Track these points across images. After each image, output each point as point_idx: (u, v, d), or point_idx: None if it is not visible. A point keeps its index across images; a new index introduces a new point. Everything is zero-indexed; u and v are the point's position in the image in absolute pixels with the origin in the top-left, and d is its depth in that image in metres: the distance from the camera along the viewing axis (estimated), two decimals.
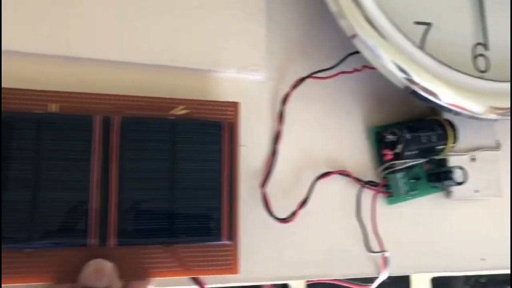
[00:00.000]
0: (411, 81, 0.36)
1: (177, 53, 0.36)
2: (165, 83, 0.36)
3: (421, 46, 0.38)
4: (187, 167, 0.33)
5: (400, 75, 0.35)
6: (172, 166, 0.33)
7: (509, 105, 0.38)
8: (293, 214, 0.36)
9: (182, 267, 0.33)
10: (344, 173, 0.38)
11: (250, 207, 0.36)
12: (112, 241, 0.31)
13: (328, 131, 0.39)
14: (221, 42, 0.37)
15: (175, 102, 0.34)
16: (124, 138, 0.32)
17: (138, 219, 0.32)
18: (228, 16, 0.37)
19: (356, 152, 0.40)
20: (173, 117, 0.34)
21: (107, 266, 0.31)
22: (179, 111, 0.34)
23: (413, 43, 0.36)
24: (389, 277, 0.38)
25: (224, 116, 0.35)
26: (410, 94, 0.37)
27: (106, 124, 0.32)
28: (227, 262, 0.34)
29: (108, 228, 0.31)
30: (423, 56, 0.36)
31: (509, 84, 0.38)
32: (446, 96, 0.36)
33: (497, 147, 0.42)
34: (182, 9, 0.36)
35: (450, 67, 0.36)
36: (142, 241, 0.32)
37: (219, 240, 0.33)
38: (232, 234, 0.34)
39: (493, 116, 0.38)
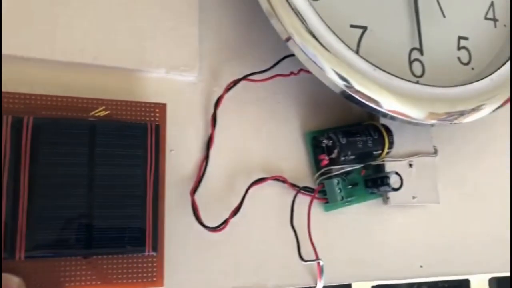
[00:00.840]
0: (346, 85, 0.35)
1: (101, 50, 0.33)
2: (87, 82, 0.33)
3: (357, 50, 0.37)
4: (107, 173, 0.31)
5: (336, 79, 0.34)
6: (91, 172, 0.30)
7: (446, 110, 0.38)
8: (225, 222, 0.34)
9: (102, 280, 0.31)
10: (279, 179, 0.37)
11: (178, 216, 0.34)
12: (19, 254, 0.28)
13: (264, 136, 0.38)
14: (149, 41, 0.35)
15: (95, 103, 0.32)
16: (37, 141, 0.29)
17: (50, 229, 0.29)
18: (159, 14, 0.36)
19: (293, 157, 0.39)
20: (93, 119, 0.31)
21: (13, 281, 0.28)
22: (100, 112, 0.32)
23: (349, 46, 0.35)
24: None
25: (150, 118, 0.33)
26: (346, 98, 0.36)
27: (17, 125, 0.29)
28: (152, 275, 0.31)
29: (17, 239, 0.29)
30: (359, 60, 0.35)
31: (445, 89, 0.38)
32: (381, 100, 0.35)
33: (434, 152, 0.42)
34: (108, 4, 0.34)
35: (386, 71, 0.36)
36: (54, 253, 0.29)
37: (143, 251, 0.31)
38: (156, 245, 0.31)
39: (429, 121, 0.38)
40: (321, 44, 0.34)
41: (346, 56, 0.35)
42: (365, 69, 0.35)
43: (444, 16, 0.40)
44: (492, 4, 0.44)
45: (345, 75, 0.34)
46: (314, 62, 0.34)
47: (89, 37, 0.33)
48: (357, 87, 0.35)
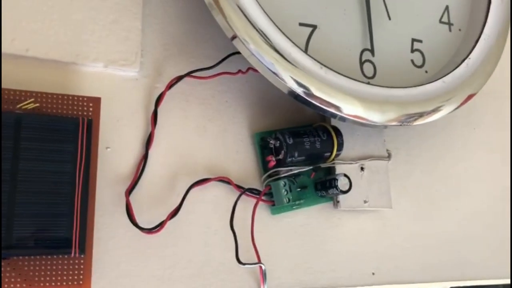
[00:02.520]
0: (293, 84, 0.33)
1: (34, 42, 0.32)
2: (19, 75, 0.31)
3: (306, 49, 0.36)
4: (33, 168, 0.29)
5: (282, 78, 0.33)
6: (15, 166, 0.28)
7: (396, 112, 0.37)
8: (161, 224, 0.32)
9: (25, 283, 0.28)
10: (224, 180, 0.35)
11: (112, 216, 0.32)
12: None
13: (210, 135, 0.36)
14: (88, 33, 0.33)
15: (24, 95, 0.30)
16: None
17: None
18: (99, 6, 0.34)
19: (241, 158, 0.37)
20: (19, 111, 0.30)
21: None
22: (28, 104, 0.30)
23: (296, 44, 0.34)
24: None
25: (83, 113, 0.31)
26: (294, 98, 0.35)
27: None
28: (78, 278, 0.29)
29: None
30: (306, 58, 0.34)
31: (396, 90, 0.37)
32: (329, 100, 0.34)
33: (388, 156, 0.41)
34: None
35: (334, 71, 0.35)
36: None
37: (69, 253, 0.29)
38: (84, 246, 0.29)
39: (379, 122, 0.37)
40: (267, 42, 0.33)
41: (292, 54, 0.33)
42: (313, 68, 0.34)
43: (389, 18, 0.40)
44: (447, 8, 0.44)
45: (291, 74, 0.33)
46: (260, 61, 0.33)
47: (22, 27, 0.32)
48: (304, 86, 0.33)
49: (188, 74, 0.35)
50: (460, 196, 0.45)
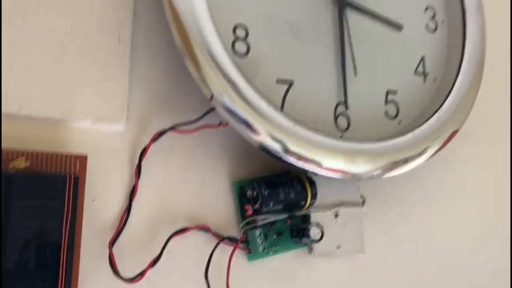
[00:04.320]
0: (269, 140, 0.36)
1: (26, 100, 0.34)
2: (12, 132, 0.34)
3: (282, 105, 0.38)
4: (22, 224, 0.31)
5: (253, 135, 0.35)
6: (5, 223, 0.31)
7: (366, 167, 0.39)
8: (142, 273, 0.34)
9: None
10: (204, 228, 0.38)
11: (96, 266, 0.34)
12: None
13: (191, 186, 0.39)
14: (77, 91, 0.36)
15: (15, 154, 0.32)
16: None
17: None
18: (87, 64, 0.36)
19: (220, 206, 0.39)
20: (11, 171, 0.32)
21: None
22: (20, 163, 0.33)
23: (271, 102, 0.36)
24: None
25: (70, 170, 0.34)
26: (266, 153, 0.37)
27: None
28: None
29: None
30: (279, 116, 0.36)
31: (367, 144, 0.40)
32: (301, 156, 0.37)
33: (362, 203, 0.43)
34: (35, 53, 0.35)
35: (306, 127, 0.37)
36: None
37: None
38: None
39: (350, 177, 0.39)
40: (241, 99, 0.35)
41: (266, 112, 0.36)
42: (285, 125, 0.36)
43: (355, 75, 0.42)
44: (423, 58, 0.46)
45: (262, 131, 0.35)
46: (233, 117, 0.36)
47: (15, 87, 0.34)
48: (274, 142, 0.36)
49: (171, 129, 0.38)
50: (434, 239, 0.47)
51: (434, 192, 0.48)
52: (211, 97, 0.35)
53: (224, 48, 0.36)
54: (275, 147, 0.36)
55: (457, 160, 0.50)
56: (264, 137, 0.36)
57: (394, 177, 0.46)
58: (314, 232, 0.38)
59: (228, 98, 0.35)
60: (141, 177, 0.37)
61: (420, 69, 0.45)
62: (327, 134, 0.38)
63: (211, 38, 0.35)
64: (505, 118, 0.54)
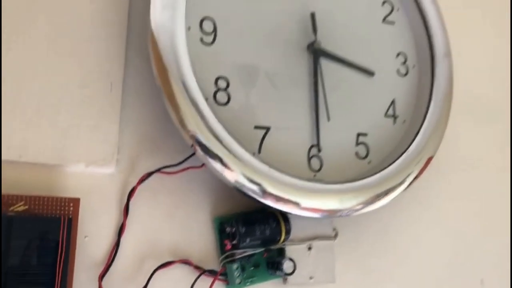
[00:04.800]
0: (240, 184, 0.40)
1: (25, 148, 0.38)
2: (12, 178, 0.38)
3: (259, 149, 0.42)
4: (20, 264, 0.35)
5: (231, 179, 0.39)
6: (5, 260, 0.35)
7: (335, 207, 0.43)
8: None
9: None
10: (186, 262, 0.41)
11: None
12: None
13: (176, 222, 0.42)
14: (72, 139, 0.40)
15: (15, 198, 0.36)
16: None
17: None
18: (81, 112, 0.40)
19: (202, 241, 0.43)
20: (11, 213, 0.36)
21: None
22: (19, 207, 0.36)
23: (247, 148, 0.40)
24: None
25: (64, 212, 0.37)
26: (242, 194, 0.40)
27: None
28: None
29: None
30: (255, 161, 0.40)
31: (337, 185, 0.43)
32: (274, 198, 0.40)
33: (334, 236, 0.47)
34: (34, 105, 0.39)
35: (280, 170, 0.41)
36: None
37: None
38: None
39: (321, 216, 0.43)
40: (221, 147, 0.39)
41: (243, 158, 0.40)
42: (261, 169, 0.40)
43: (328, 120, 0.45)
44: (393, 102, 0.49)
45: (239, 174, 0.39)
46: (209, 162, 0.39)
47: (16, 135, 0.38)
48: (250, 186, 0.40)
49: (158, 171, 0.42)
50: (404, 269, 0.50)
51: (405, 224, 0.51)
52: (192, 145, 0.39)
53: (205, 99, 0.39)
54: (252, 188, 0.40)
55: (427, 192, 0.53)
56: (240, 180, 0.40)
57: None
58: (287, 266, 0.42)
59: (207, 145, 0.39)
60: (129, 215, 0.40)
61: (391, 112, 0.49)
62: (300, 176, 0.42)
63: (194, 92, 0.39)
64: (474, 149, 0.58)
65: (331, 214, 0.43)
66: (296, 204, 0.41)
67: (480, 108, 0.58)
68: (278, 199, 0.41)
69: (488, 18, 0.63)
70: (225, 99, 0.42)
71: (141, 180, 0.41)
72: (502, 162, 0.58)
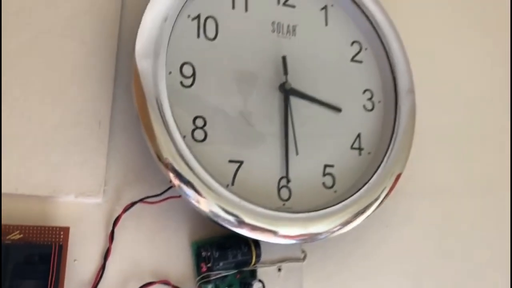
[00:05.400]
0: (215, 215, 0.44)
1: (22, 181, 0.43)
2: (8, 209, 0.42)
3: (233, 182, 0.47)
4: (17, 284, 0.40)
5: (206, 210, 0.44)
6: (4, 284, 0.39)
7: (301, 232, 0.47)
8: None
9: None
10: (165, 283, 0.46)
11: None
12: None
13: (156, 246, 0.47)
14: (63, 172, 0.44)
15: (11, 228, 0.41)
16: None
17: None
18: (73, 149, 0.45)
19: (181, 264, 0.48)
20: (8, 242, 0.40)
21: None
22: (15, 236, 0.41)
23: (221, 182, 0.45)
24: None
25: (55, 239, 0.42)
26: (215, 223, 0.45)
27: None
28: None
29: None
30: (228, 193, 0.44)
31: (304, 214, 0.48)
32: (244, 227, 0.45)
33: (303, 257, 0.51)
34: (30, 142, 0.44)
35: (251, 201, 0.45)
36: None
37: None
38: None
39: (289, 242, 0.47)
40: (197, 181, 0.44)
41: (217, 190, 0.44)
42: (233, 200, 0.45)
43: (297, 154, 0.50)
44: (359, 135, 0.54)
45: (213, 206, 0.44)
46: (186, 194, 0.44)
47: (13, 170, 0.43)
48: (223, 216, 0.44)
49: (141, 200, 0.46)
50: None
51: (371, 246, 0.56)
52: (170, 180, 0.44)
53: (183, 136, 0.44)
54: (225, 218, 0.44)
55: (393, 216, 0.58)
56: (215, 211, 0.44)
57: None
58: (256, 287, 0.46)
59: (183, 180, 0.43)
60: (114, 240, 0.45)
61: (356, 144, 0.54)
62: (269, 206, 0.46)
63: (173, 131, 0.44)
64: (437, 177, 0.62)
65: (298, 240, 0.47)
66: (265, 231, 0.46)
67: (444, 138, 0.63)
68: (249, 227, 0.45)
69: (450, 50, 0.68)
70: (202, 136, 0.46)
71: (126, 209, 0.46)
72: (463, 188, 0.63)
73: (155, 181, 0.48)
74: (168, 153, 0.44)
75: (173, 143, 0.44)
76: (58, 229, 0.42)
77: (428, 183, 0.61)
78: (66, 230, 0.43)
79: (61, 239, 0.42)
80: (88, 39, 0.47)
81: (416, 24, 0.64)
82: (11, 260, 0.40)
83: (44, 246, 0.41)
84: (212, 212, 0.44)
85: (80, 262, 0.44)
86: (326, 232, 0.48)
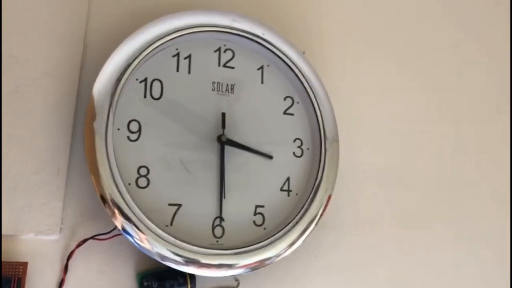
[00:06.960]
0: (157, 253, 0.52)
1: None
2: None
3: (171, 222, 0.55)
4: None
5: (147, 249, 0.52)
6: None
7: (236, 266, 0.55)
8: None
9: None
10: None
11: None
12: None
13: (106, 277, 0.55)
14: (25, 213, 0.52)
15: None
16: None
17: None
18: (34, 193, 0.53)
19: None
20: None
21: None
22: None
23: (158, 224, 0.53)
24: None
25: (15, 273, 0.50)
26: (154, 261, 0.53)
27: None
28: None
29: None
30: (165, 234, 0.52)
31: (236, 249, 0.56)
32: (180, 265, 0.53)
33: (236, 286, 0.59)
34: None
35: (185, 240, 0.53)
36: None
37: None
38: None
39: (219, 274, 0.55)
40: (138, 222, 0.52)
41: (155, 231, 0.52)
42: (169, 240, 0.53)
43: (224, 197, 0.58)
44: (288, 179, 0.62)
45: (151, 246, 0.52)
46: (130, 238, 0.52)
47: None
48: (162, 253, 0.52)
49: (92, 237, 0.54)
50: None
51: (300, 273, 0.64)
52: (115, 227, 0.51)
53: (128, 184, 0.52)
54: (165, 255, 0.52)
55: (321, 247, 0.66)
56: (151, 249, 0.52)
57: None
58: None
59: (125, 223, 0.51)
60: (68, 272, 0.53)
61: (285, 187, 0.62)
62: (203, 243, 0.54)
63: (117, 180, 0.52)
64: (362, 211, 0.70)
65: (230, 272, 0.55)
66: (199, 266, 0.54)
67: (369, 177, 0.71)
68: (183, 263, 0.53)
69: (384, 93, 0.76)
70: (145, 183, 0.54)
71: (79, 245, 0.53)
72: (391, 220, 0.71)
73: (104, 221, 0.55)
74: (113, 198, 0.51)
75: (118, 190, 0.52)
76: (17, 264, 0.50)
77: (354, 216, 0.69)
78: (24, 265, 0.50)
79: (20, 273, 0.50)
80: (50, 99, 0.55)
81: (342, 81, 0.73)
82: None
83: (5, 279, 0.49)
84: (150, 250, 0.52)
85: None
86: (255, 264, 0.56)
